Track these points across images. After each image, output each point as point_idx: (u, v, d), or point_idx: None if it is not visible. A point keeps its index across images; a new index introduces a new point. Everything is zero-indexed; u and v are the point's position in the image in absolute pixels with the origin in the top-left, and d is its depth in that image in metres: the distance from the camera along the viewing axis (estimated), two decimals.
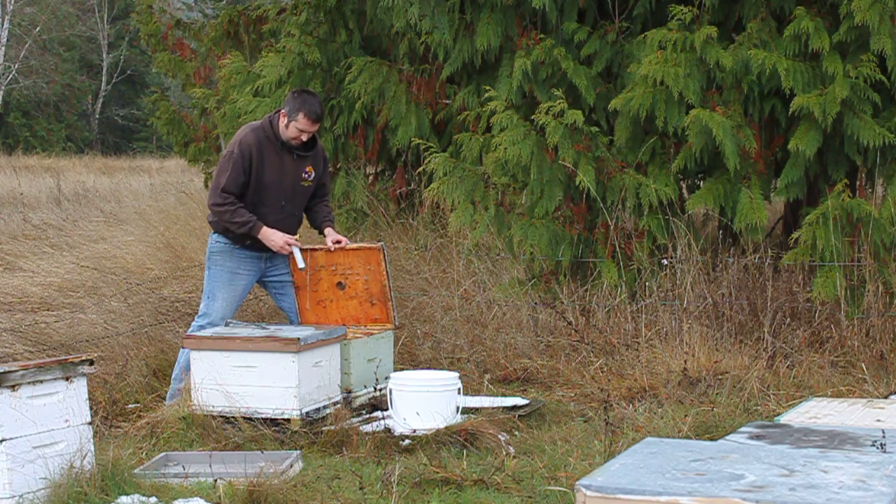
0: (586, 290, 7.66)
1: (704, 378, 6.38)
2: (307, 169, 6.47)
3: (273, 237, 6.32)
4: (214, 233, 6.49)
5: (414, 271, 8.55)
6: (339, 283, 6.58)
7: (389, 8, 8.59)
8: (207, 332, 6.08)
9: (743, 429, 4.29)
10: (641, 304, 7.40)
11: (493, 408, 6.04)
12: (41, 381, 4.66)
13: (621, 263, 7.64)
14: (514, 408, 6.09)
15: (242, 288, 6.52)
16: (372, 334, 6.45)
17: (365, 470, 5.07)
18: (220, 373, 5.78)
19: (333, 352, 6.04)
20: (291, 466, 5.08)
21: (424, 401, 5.69)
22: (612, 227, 7.63)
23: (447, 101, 9.24)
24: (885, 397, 5.94)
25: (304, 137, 6.34)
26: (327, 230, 6.61)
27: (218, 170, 6.41)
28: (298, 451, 5.32)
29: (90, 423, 4.88)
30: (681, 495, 2.87)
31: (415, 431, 5.58)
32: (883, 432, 4.04)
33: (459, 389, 5.85)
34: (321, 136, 9.64)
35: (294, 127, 6.30)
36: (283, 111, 6.34)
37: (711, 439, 5.16)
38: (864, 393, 6.28)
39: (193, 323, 6.44)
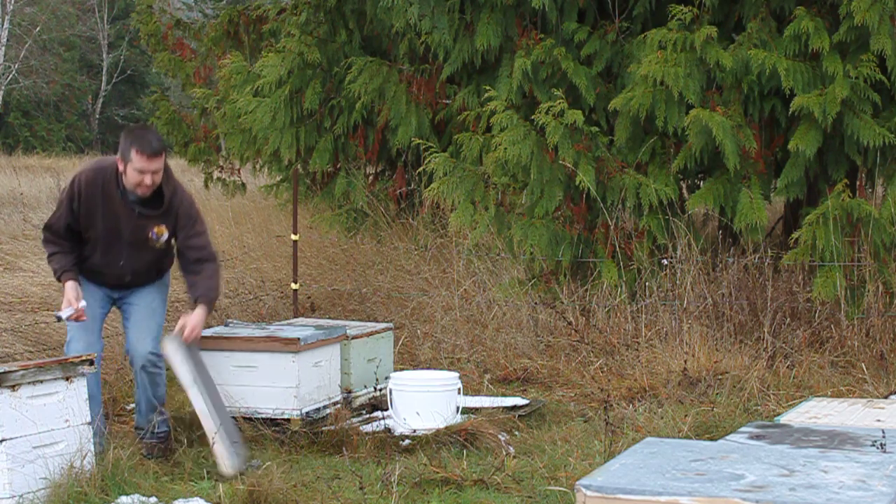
0: (586, 290, 7.66)
1: (704, 378, 6.38)
2: (156, 230, 5.37)
3: (66, 294, 5.27)
4: None
5: (414, 271, 8.56)
6: None
7: (389, 8, 8.59)
8: (207, 332, 6.06)
9: (743, 429, 4.29)
10: (641, 304, 7.40)
11: (493, 408, 6.04)
12: (41, 381, 4.67)
13: (621, 263, 7.64)
14: (514, 408, 6.09)
15: (98, 315, 5.49)
16: (372, 334, 6.45)
17: (365, 470, 5.07)
18: (220, 373, 5.77)
19: (333, 352, 6.04)
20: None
21: (424, 401, 5.69)
22: (612, 227, 7.63)
23: (447, 101, 9.24)
24: (885, 397, 5.93)
25: (148, 180, 5.21)
26: (198, 309, 5.39)
27: (58, 200, 5.54)
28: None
29: (90, 423, 4.88)
30: (681, 495, 2.87)
31: (415, 431, 5.58)
32: (883, 432, 4.04)
33: (459, 389, 5.85)
34: (322, 136, 9.66)
35: (131, 169, 5.20)
36: (118, 156, 5.28)
37: (711, 439, 5.16)
38: (864, 393, 6.28)
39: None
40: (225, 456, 5.10)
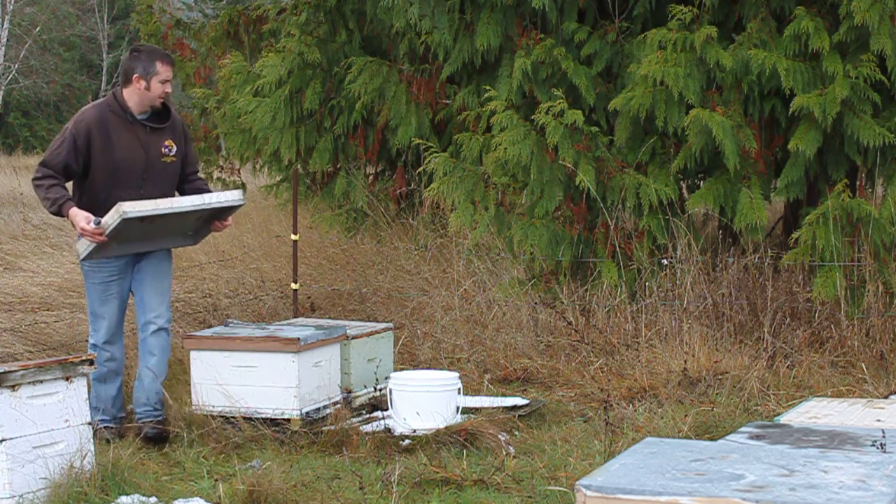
0: (586, 290, 7.66)
1: (704, 378, 6.38)
2: (166, 143, 5.71)
3: (76, 218, 5.37)
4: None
5: (414, 271, 8.55)
6: None
7: (389, 8, 8.59)
8: (207, 332, 6.09)
9: (743, 429, 4.29)
10: (641, 304, 7.40)
11: (493, 408, 6.04)
12: (41, 381, 4.67)
13: (621, 263, 7.64)
14: (514, 408, 6.08)
15: (120, 293, 5.74)
16: (372, 334, 6.45)
17: (365, 470, 5.07)
18: (220, 373, 5.78)
19: (333, 352, 6.04)
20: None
21: (424, 401, 5.68)
22: (612, 227, 7.63)
23: (447, 101, 9.24)
24: (885, 397, 5.93)
25: (169, 88, 5.64)
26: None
27: (50, 146, 5.66)
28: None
29: (90, 423, 4.88)
30: (681, 495, 2.87)
31: (415, 431, 5.58)
32: (883, 432, 4.04)
33: (459, 389, 5.85)
34: (322, 136, 9.67)
35: (157, 81, 5.59)
36: (134, 75, 5.59)
37: (711, 439, 5.16)
38: (864, 393, 6.28)
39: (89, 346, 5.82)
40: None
